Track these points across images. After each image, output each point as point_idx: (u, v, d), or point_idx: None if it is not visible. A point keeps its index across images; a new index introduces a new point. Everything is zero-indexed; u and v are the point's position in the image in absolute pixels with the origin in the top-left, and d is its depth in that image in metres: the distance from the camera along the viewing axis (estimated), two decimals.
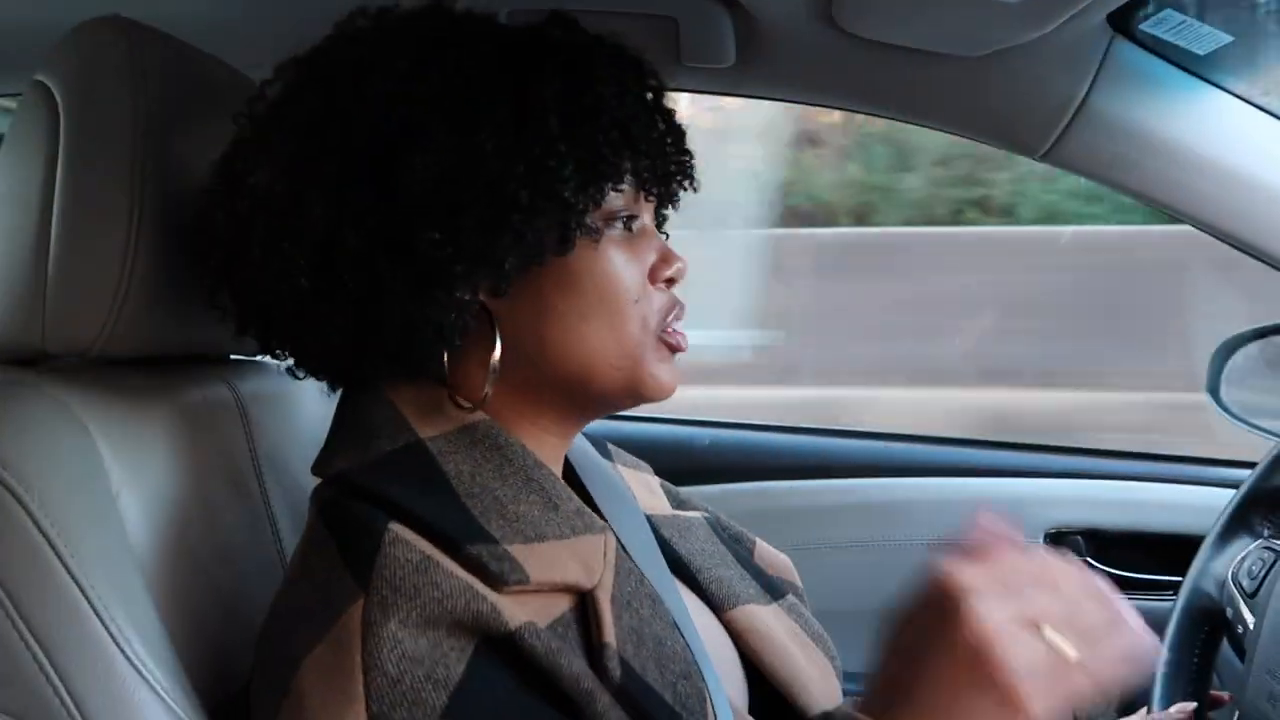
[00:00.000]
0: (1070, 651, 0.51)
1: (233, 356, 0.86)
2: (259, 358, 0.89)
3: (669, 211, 0.77)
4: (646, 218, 0.70)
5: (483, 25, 0.67)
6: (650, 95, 0.69)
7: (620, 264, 0.66)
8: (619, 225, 0.66)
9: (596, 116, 0.63)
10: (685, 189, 0.73)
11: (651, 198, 0.69)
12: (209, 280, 0.68)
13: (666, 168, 0.70)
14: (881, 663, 0.55)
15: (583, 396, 0.68)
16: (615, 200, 0.66)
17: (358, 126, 0.62)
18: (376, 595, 0.56)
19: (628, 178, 0.66)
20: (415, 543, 0.58)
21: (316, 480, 0.67)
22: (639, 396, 0.68)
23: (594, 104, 0.63)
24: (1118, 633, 0.53)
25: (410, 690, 0.54)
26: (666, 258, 0.69)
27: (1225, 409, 1.17)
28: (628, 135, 0.65)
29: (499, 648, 0.57)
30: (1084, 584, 0.54)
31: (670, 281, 0.69)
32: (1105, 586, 0.55)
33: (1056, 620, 0.52)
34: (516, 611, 0.58)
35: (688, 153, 0.72)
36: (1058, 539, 1.29)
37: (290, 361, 0.69)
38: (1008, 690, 0.50)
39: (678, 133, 0.71)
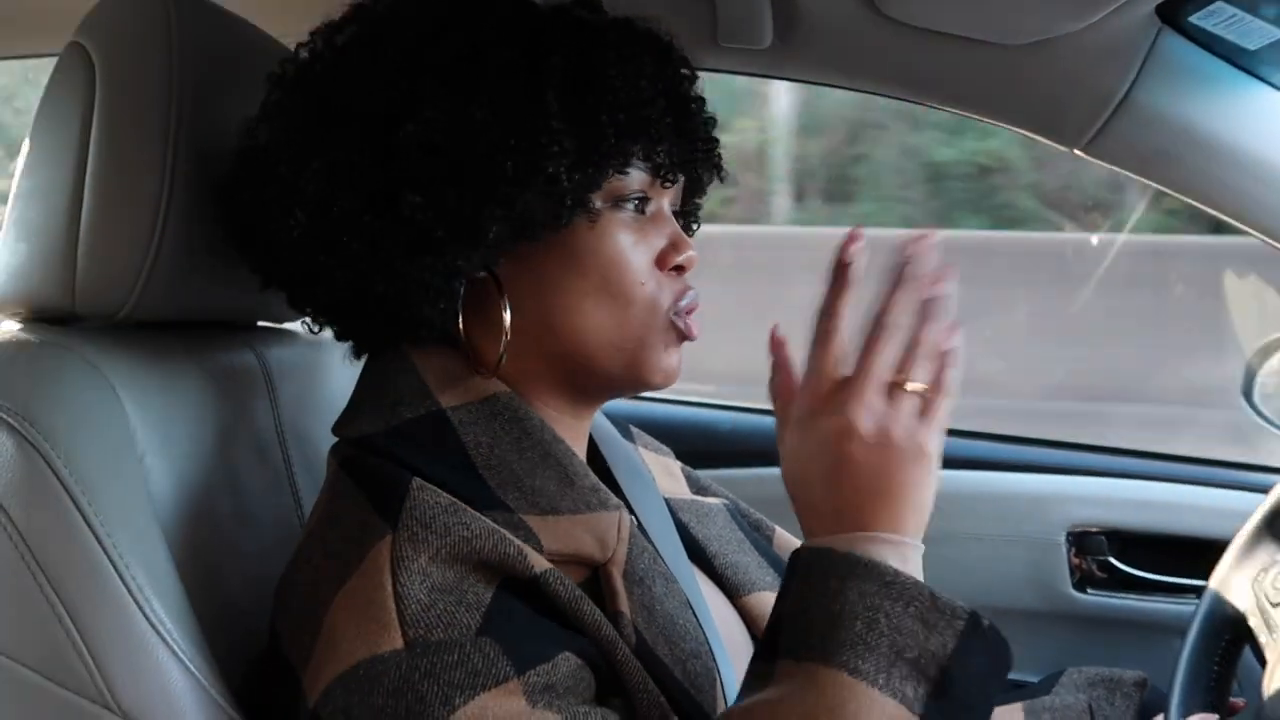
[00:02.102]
0: (921, 386, 0.58)
1: (260, 323, 0.87)
2: (285, 325, 0.89)
3: (700, 201, 0.76)
4: (664, 203, 0.69)
5: (506, 4, 0.67)
6: (674, 81, 0.68)
7: (626, 246, 0.65)
8: (629, 207, 0.66)
9: (602, 98, 0.63)
10: (710, 177, 0.73)
11: (669, 184, 0.68)
12: (235, 240, 0.70)
13: (686, 155, 0.69)
14: (802, 507, 0.59)
15: (585, 376, 0.68)
16: (626, 182, 0.65)
17: (362, 91, 0.63)
18: (406, 531, 0.57)
19: (638, 162, 0.66)
20: (440, 493, 0.59)
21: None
22: (639, 382, 0.68)
23: (600, 86, 0.63)
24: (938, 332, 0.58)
25: (445, 613, 0.55)
26: (677, 244, 0.68)
27: (1259, 413, 1.16)
28: (637, 119, 0.64)
29: (523, 587, 0.58)
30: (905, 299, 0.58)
31: (680, 269, 0.68)
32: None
33: (908, 364, 0.58)
34: (540, 559, 0.59)
35: (713, 141, 0.71)
36: (1080, 537, 1.27)
37: (310, 314, 0.71)
38: (914, 454, 0.57)
39: (701, 120, 0.70)
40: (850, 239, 0.60)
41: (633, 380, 0.68)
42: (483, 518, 0.59)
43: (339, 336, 0.71)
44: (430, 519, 0.58)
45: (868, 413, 0.57)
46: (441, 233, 0.62)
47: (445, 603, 0.56)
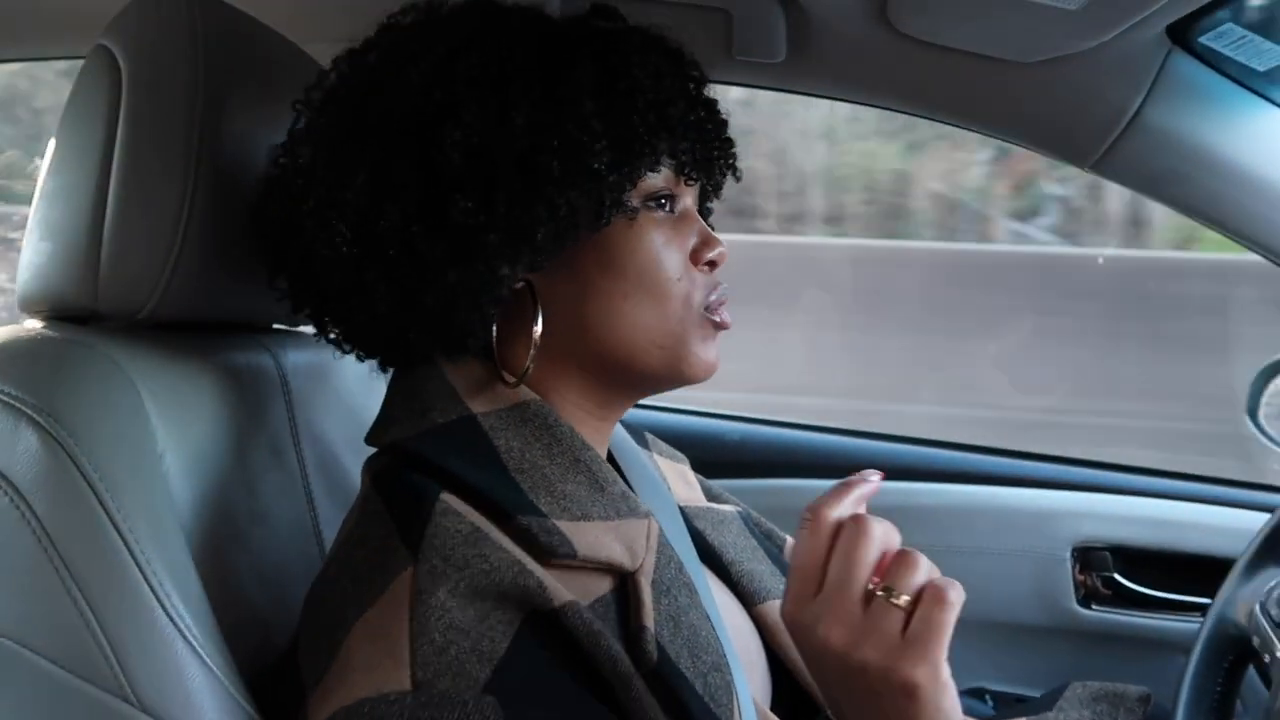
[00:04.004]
0: (907, 599, 0.51)
1: (276, 326, 0.88)
2: (301, 328, 0.90)
3: (713, 204, 0.77)
4: (689, 200, 0.70)
5: (525, 15, 0.68)
6: (690, 85, 0.69)
7: (660, 244, 0.67)
8: (659, 206, 0.67)
9: (631, 98, 0.64)
10: (727, 177, 0.74)
11: (692, 182, 0.70)
12: (268, 260, 0.70)
13: (707, 153, 0.70)
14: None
15: (624, 375, 0.68)
16: (654, 180, 0.67)
17: (398, 106, 0.63)
18: (426, 564, 0.57)
19: (665, 159, 0.67)
20: (466, 514, 0.59)
21: (352, 450, 0.68)
22: (681, 376, 0.68)
23: (629, 87, 0.64)
24: (913, 565, 0.52)
25: (455, 661, 0.55)
26: (708, 241, 0.69)
27: (1264, 432, 1.16)
28: (664, 117, 0.65)
29: (543, 624, 0.58)
30: (871, 536, 0.53)
31: (712, 265, 0.69)
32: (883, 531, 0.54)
33: (892, 579, 0.52)
34: (561, 589, 0.58)
35: (729, 140, 0.72)
36: (1085, 553, 1.27)
37: (339, 336, 0.70)
38: (896, 683, 0.50)
39: (718, 121, 0.71)
40: (868, 478, 0.57)
41: (674, 375, 0.68)
42: (503, 548, 0.58)
43: (364, 355, 0.71)
44: (450, 551, 0.57)
45: (839, 629, 0.51)
46: (493, 236, 0.62)
47: (459, 647, 0.55)
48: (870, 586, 0.52)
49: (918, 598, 0.52)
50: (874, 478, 0.58)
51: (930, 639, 0.51)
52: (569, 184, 0.62)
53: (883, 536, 0.54)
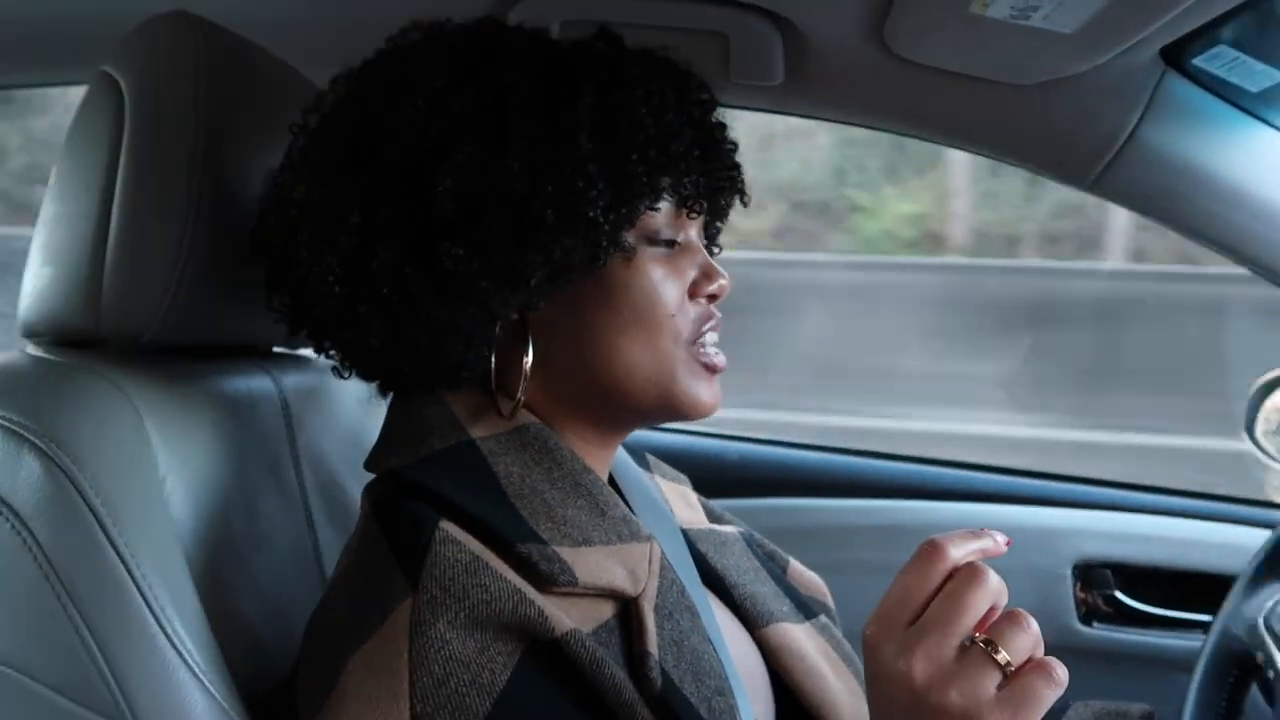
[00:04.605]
0: (1008, 658, 0.51)
1: (276, 349, 0.88)
2: (301, 352, 0.90)
3: (720, 225, 0.76)
4: (692, 232, 0.70)
5: (528, 42, 0.68)
6: (697, 110, 0.68)
7: (658, 279, 0.66)
8: (660, 242, 0.67)
9: (633, 136, 0.63)
10: (734, 203, 0.74)
11: (695, 214, 0.69)
12: (266, 282, 0.70)
13: (712, 184, 0.69)
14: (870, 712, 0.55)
15: (618, 410, 0.68)
16: (654, 219, 0.66)
17: (392, 141, 0.63)
18: (426, 595, 0.57)
19: (666, 195, 0.66)
20: (465, 542, 0.59)
21: (353, 474, 0.68)
22: (675, 413, 0.68)
23: (630, 123, 0.63)
24: (1024, 629, 0.52)
25: (455, 694, 0.55)
26: (709, 274, 0.68)
27: (1261, 448, 1.16)
28: (665, 153, 0.65)
29: (544, 653, 0.57)
30: (983, 588, 0.53)
31: (712, 298, 0.69)
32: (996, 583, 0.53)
33: (998, 635, 0.52)
34: (563, 617, 0.58)
35: (736, 167, 0.72)
36: (1086, 571, 1.27)
37: (337, 360, 0.70)
38: None
39: (725, 147, 0.71)
40: (996, 537, 0.56)
41: (667, 413, 0.68)
42: (503, 577, 0.58)
43: (365, 378, 0.70)
44: (449, 581, 0.57)
45: (926, 664, 0.51)
46: (485, 283, 0.62)
47: (458, 680, 0.55)
48: (975, 635, 0.52)
49: (1024, 663, 0.51)
50: (1001, 539, 0.56)
51: (1028, 708, 0.50)
52: (564, 231, 0.62)
53: (996, 591, 0.53)
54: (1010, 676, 0.51)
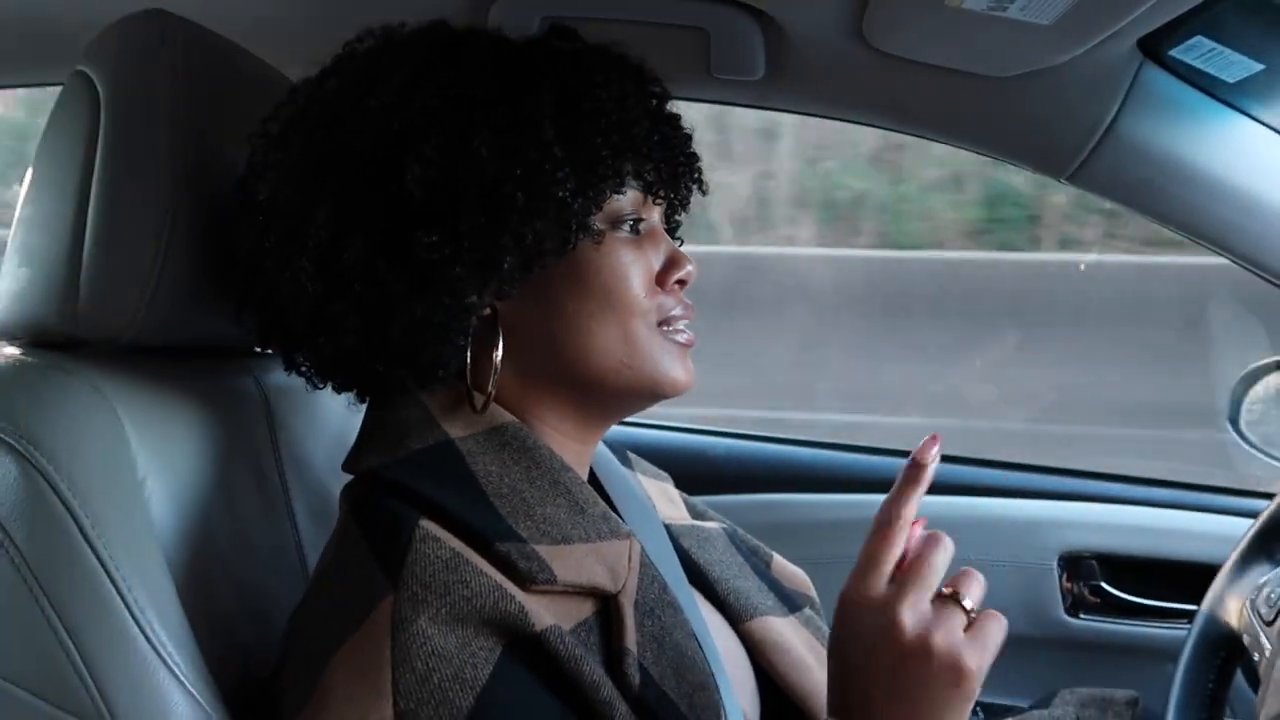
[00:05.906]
0: (972, 603, 0.59)
1: (258, 349, 0.87)
2: None
3: (681, 217, 0.77)
4: (655, 218, 0.71)
5: (483, 39, 0.68)
6: (653, 100, 0.69)
7: (627, 263, 0.66)
8: (625, 228, 0.67)
9: (595, 120, 0.64)
10: (693, 192, 0.74)
11: (659, 200, 0.70)
12: (234, 294, 0.70)
13: (673, 170, 0.71)
14: (833, 677, 0.60)
15: (597, 395, 0.68)
16: (620, 203, 0.67)
17: (358, 138, 0.63)
18: (407, 591, 0.57)
19: (630, 180, 0.67)
20: (445, 540, 0.59)
21: (335, 474, 0.67)
22: (651, 394, 0.68)
23: (592, 108, 0.64)
24: (979, 581, 0.60)
25: (438, 689, 0.55)
26: (676, 260, 0.69)
27: (1245, 439, 1.17)
28: (628, 138, 0.65)
29: (525, 649, 0.58)
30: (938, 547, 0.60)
31: (681, 284, 0.69)
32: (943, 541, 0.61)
33: (960, 587, 0.59)
34: (543, 613, 0.58)
35: (694, 156, 0.73)
36: (1072, 562, 1.28)
37: (311, 371, 0.70)
38: (952, 667, 0.56)
39: (682, 137, 0.72)
40: (929, 442, 0.61)
41: (645, 393, 0.68)
42: (484, 573, 0.58)
43: (339, 388, 0.70)
44: (430, 578, 0.57)
45: (912, 614, 0.57)
46: (458, 269, 0.62)
47: (441, 675, 0.55)
48: (942, 588, 0.59)
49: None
50: (927, 466, 0.61)
51: (989, 643, 0.58)
52: (534, 214, 0.62)
53: (952, 551, 0.61)
54: (973, 621, 0.58)
